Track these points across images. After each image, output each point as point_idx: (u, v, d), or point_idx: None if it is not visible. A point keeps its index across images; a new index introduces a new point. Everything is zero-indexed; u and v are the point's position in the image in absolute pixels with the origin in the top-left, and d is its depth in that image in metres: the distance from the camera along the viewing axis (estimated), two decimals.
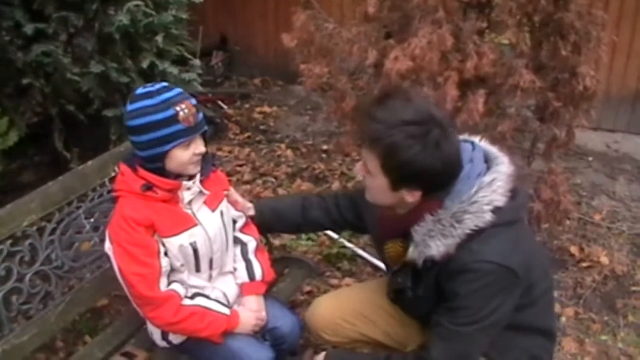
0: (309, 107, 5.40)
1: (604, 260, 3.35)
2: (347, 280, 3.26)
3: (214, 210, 2.05)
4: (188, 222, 1.98)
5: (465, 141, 1.79)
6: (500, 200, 1.67)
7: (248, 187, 4.18)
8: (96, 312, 2.86)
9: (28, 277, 1.96)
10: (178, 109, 1.84)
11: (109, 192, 2.18)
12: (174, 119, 1.83)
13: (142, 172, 1.91)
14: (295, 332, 2.22)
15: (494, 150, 1.80)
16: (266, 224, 2.30)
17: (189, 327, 1.97)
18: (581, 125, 2.93)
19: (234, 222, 2.20)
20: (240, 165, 4.51)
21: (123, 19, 3.05)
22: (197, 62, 3.64)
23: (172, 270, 1.99)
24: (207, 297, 2.04)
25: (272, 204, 2.38)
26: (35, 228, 1.99)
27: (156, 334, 2.10)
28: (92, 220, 2.18)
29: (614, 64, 4.53)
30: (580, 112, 2.83)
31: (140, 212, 1.89)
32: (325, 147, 4.70)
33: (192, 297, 2.00)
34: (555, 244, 3.46)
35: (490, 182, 1.68)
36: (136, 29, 3.17)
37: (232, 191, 2.23)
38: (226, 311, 2.03)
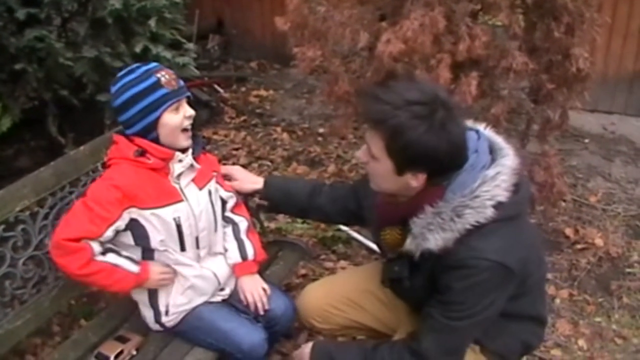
0: (305, 90, 5.37)
1: (599, 242, 3.35)
2: (342, 263, 3.27)
3: (201, 188, 2.07)
4: (173, 196, 1.99)
5: (470, 129, 1.74)
6: (502, 195, 1.63)
7: None
8: (91, 296, 2.86)
9: (21, 262, 1.97)
10: (158, 75, 1.92)
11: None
12: (157, 85, 1.91)
13: (137, 140, 1.94)
14: (288, 314, 2.23)
15: (499, 140, 1.76)
16: (273, 200, 2.31)
17: (97, 282, 1.98)
18: (576, 106, 2.92)
19: (224, 202, 2.21)
20: (236, 149, 4.49)
21: (115, 3, 3.05)
22: (191, 45, 3.64)
23: (157, 250, 2.00)
24: (118, 252, 2.00)
25: (282, 182, 2.39)
26: (28, 213, 1.99)
27: (149, 318, 2.12)
28: None
29: (610, 45, 4.51)
30: (574, 94, 2.83)
31: (127, 177, 1.92)
32: (321, 130, 4.69)
33: (104, 253, 1.96)
34: (550, 226, 3.46)
35: (494, 175, 1.64)
36: (129, 12, 3.17)
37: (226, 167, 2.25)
38: (135, 269, 1.99)
